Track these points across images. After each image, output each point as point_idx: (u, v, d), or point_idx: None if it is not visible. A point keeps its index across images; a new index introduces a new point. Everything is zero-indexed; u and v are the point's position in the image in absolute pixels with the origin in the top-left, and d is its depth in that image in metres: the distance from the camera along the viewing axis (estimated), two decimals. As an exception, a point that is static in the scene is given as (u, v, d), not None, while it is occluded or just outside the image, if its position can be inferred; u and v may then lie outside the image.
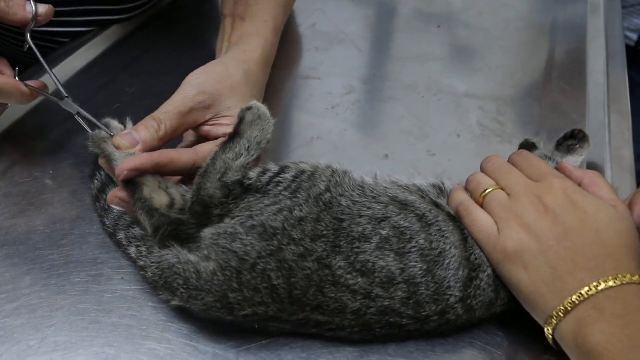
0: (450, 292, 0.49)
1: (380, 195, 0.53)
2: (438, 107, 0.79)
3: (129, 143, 0.53)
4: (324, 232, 0.49)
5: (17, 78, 0.59)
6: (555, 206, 0.49)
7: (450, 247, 0.50)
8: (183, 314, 0.51)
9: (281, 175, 0.52)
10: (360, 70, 0.86)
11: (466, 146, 0.73)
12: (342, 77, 0.84)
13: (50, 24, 0.61)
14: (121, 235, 0.55)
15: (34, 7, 0.58)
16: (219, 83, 0.60)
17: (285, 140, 0.72)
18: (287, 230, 0.48)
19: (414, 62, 0.88)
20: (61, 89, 0.58)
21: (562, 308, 0.45)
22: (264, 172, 0.52)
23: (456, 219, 0.53)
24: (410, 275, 0.48)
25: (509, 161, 0.57)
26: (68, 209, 0.60)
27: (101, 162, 0.55)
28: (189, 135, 0.62)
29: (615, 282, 0.44)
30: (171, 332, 0.50)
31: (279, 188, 0.51)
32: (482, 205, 0.53)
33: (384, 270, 0.48)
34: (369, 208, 0.51)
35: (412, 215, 0.51)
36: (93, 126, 0.56)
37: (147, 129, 0.54)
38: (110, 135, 0.54)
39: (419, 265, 0.49)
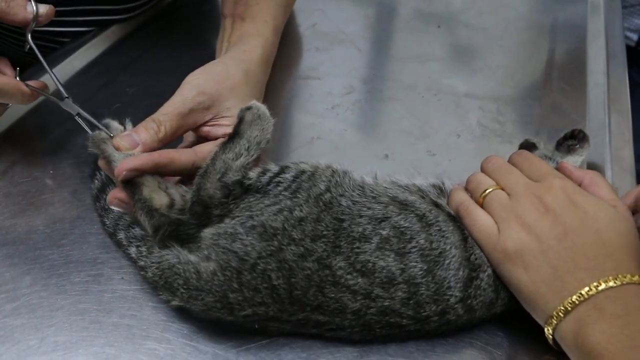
0: (450, 292, 0.49)
1: (380, 195, 0.53)
2: (438, 107, 0.79)
3: (129, 144, 0.53)
4: (324, 232, 0.49)
5: (17, 78, 0.59)
6: (555, 206, 0.49)
7: (451, 247, 0.50)
8: (183, 313, 0.51)
9: (281, 175, 0.52)
10: (360, 70, 0.86)
11: (466, 146, 0.73)
12: (342, 77, 0.83)
13: (51, 23, 0.61)
14: (121, 235, 0.55)
15: (34, 8, 0.58)
16: (218, 83, 0.59)
17: (285, 140, 0.72)
18: (287, 230, 0.48)
19: (414, 62, 0.88)
20: (61, 89, 0.58)
21: (562, 308, 0.45)
22: (264, 172, 0.52)
23: (456, 219, 0.53)
24: (410, 276, 0.48)
25: (509, 161, 0.57)
26: (68, 208, 0.60)
27: (100, 163, 0.55)
28: (189, 136, 0.62)
29: (615, 282, 0.44)
30: (171, 331, 0.50)
31: (279, 188, 0.51)
32: (482, 205, 0.53)
33: (384, 271, 0.48)
34: (369, 208, 0.51)
35: (412, 215, 0.51)
36: (93, 127, 0.56)
37: (147, 131, 0.54)
38: (110, 136, 0.54)
39: (419, 266, 0.49)
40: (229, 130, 0.56)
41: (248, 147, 0.53)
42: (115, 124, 0.56)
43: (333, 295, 0.47)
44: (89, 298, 0.52)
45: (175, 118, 0.56)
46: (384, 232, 0.50)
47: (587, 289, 0.45)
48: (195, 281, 0.47)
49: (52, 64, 0.79)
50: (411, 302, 0.48)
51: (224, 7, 0.75)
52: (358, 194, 0.52)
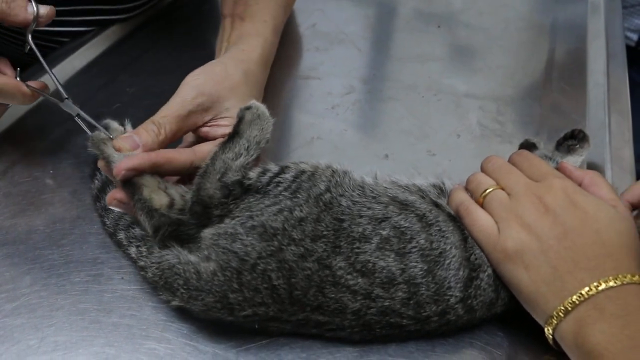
0: (450, 293, 0.49)
1: (380, 195, 0.53)
2: (438, 107, 0.79)
3: (130, 146, 0.53)
4: (324, 233, 0.49)
5: (18, 78, 0.59)
6: (555, 206, 0.49)
7: (451, 247, 0.50)
8: (183, 313, 0.51)
9: (281, 175, 0.51)
10: (360, 70, 0.86)
11: (466, 146, 0.73)
12: (342, 77, 0.83)
13: (51, 23, 0.61)
14: (121, 235, 0.55)
15: (35, 8, 0.58)
16: (217, 84, 0.59)
17: (285, 140, 0.72)
18: (287, 230, 0.48)
19: (414, 62, 0.88)
20: (61, 90, 0.58)
21: (562, 308, 0.45)
22: (263, 172, 0.52)
23: (456, 219, 0.53)
24: (410, 276, 0.48)
25: (509, 161, 0.57)
26: (68, 208, 0.60)
27: (100, 164, 0.55)
28: (188, 136, 0.62)
29: (615, 282, 0.44)
30: (171, 331, 0.50)
31: (279, 188, 0.51)
32: (482, 205, 0.53)
33: (384, 271, 0.48)
34: (369, 208, 0.51)
35: (412, 215, 0.51)
36: (93, 128, 0.56)
37: (148, 133, 0.54)
38: (110, 138, 0.54)
39: (420, 266, 0.49)
40: (228, 130, 0.56)
41: (248, 146, 0.53)
42: (115, 125, 0.56)
43: (333, 295, 0.47)
44: (89, 298, 0.52)
45: (174, 120, 0.56)
46: (384, 232, 0.50)
47: (587, 289, 0.45)
48: (196, 281, 0.47)
49: (52, 63, 0.79)
50: (411, 302, 0.48)
51: (224, 7, 0.75)
52: (358, 194, 0.52)
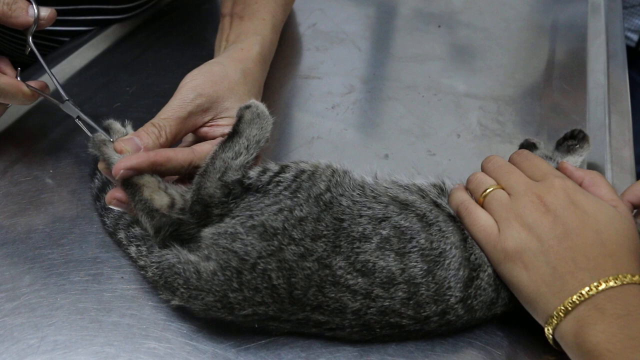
0: (450, 293, 0.49)
1: (380, 195, 0.53)
2: (438, 106, 0.79)
3: (131, 148, 0.53)
4: (324, 232, 0.49)
5: (18, 78, 0.59)
6: (555, 206, 0.49)
7: (451, 247, 0.50)
8: (183, 313, 0.51)
9: (281, 175, 0.51)
10: (360, 69, 0.86)
11: (466, 146, 0.73)
12: (342, 76, 0.83)
13: (51, 23, 0.61)
14: (121, 235, 0.55)
15: (36, 11, 0.58)
16: (216, 84, 0.59)
17: (285, 140, 0.72)
18: (287, 230, 0.48)
19: (414, 62, 0.88)
20: (62, 91, 0.58)
21: (563, 308, 0.45)
22: (264, 172, 0.52)
23: (456, 219, 0.53)
24: (410, 276, 0.48)
25: (509, 161, 0.57)
26: (68, 208, 0.60)
27: (101, 166, 0.54)
28: (188, 136, 0.62)
29: (615, 282, 0.44)
30: (171, 331, 0.50)
31: (279, 187, 0.51)
32: (482, 205, 0.53)
33: (384, 270, 0.48)
34: (369, 208, 0.51)
35: (412, 215, 0.51)
36: (93, 130, 0.56)
37: (149, 135, 0.54)
38: (110, 140, 0.54)
39: (419, 266, 0.49)
40: (228, 130, 0.56)
41: (247, 145, 0.53)
42: (117, 126, 0.56)
43: (333, 295, 0.47)
44: (89, 297, 0.52)
45: (175, 122, 0.56)
46: (384, 232, 0.50)
47: (587, 288, 0.45)
48: (196, 281, 0.47)
49: (52, 63, 0.79)
50: (411, 302, 0.48)
51: (223, 6, 0.75)
52: (358, 194, 0.52)
